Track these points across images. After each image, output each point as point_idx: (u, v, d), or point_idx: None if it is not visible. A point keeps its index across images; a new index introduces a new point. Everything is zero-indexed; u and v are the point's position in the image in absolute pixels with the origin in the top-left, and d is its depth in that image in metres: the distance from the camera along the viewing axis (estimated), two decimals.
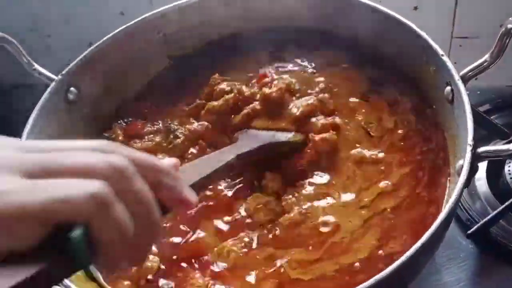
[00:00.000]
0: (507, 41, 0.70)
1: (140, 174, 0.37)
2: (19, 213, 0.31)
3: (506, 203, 0.86)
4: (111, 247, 0.35)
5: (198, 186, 0.51)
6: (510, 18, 0.68)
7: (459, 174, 0.64)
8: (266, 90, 0.84)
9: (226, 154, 0.70)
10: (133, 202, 0.36)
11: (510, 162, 0.94)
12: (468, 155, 0.64)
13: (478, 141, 0.66)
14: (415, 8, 1.13)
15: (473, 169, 0.64)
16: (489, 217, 0.86)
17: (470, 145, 0.65)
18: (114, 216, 0.34)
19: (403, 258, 0.56)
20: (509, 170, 0.93)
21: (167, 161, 0.43)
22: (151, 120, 0.93)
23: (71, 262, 0.33)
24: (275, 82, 0.88)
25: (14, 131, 0.80)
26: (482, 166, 0.96)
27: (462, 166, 0.64)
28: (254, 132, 0.82)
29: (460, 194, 0.62)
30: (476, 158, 0.65)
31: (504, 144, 0.93)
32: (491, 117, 1.00)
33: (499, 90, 1.10)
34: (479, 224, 0.86)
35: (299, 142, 0.81)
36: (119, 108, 0.96)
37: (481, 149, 0.65)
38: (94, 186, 0.34)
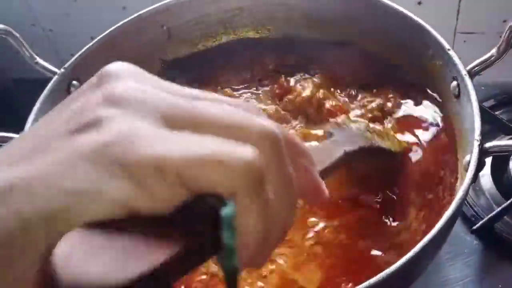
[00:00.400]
0: None
1: None
2: (159, 164, 0.25)
3: (511, 199, 0.85)
4: (252, 236, 0.27)
5: None
6: None
7: (466, 170, 0.64)
8: (302, 93, 0.79)
9: (333, 149, 0.57)
10: (279, 187, 0.28)
11: None
12: (475, 150, 0.63)
13: (484, 137, 0.66)
14: (419, 3, 1.12)
15: (480, 165, 0.64)
16: (493, 213, 0.85)
17: (478, 140, 0.64)
18: (266, 197, 0.27)
19: (409, 255, 0.56)
20: None
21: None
22: None
23: (215, 245, 0.25)
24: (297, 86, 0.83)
25: (15, 126, 0.79)
26: (487, 162, 0.96)
27: (469, 162, 0.64)
28: (348, 131, 0.67)
29: (468, 190, 0.62)
30: (483, 153, 0.64)
31: (509, 139, 0.93)
32: (496, 113, 1.00)
33: (504, 86, 1.09)
34: (483, 220, 0.85)
35: (401, 153, 0.70)
36: None
37: (489, 144, 0.65)
38: (249, 153, 0.26)
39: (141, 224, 0.24)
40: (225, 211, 0.24)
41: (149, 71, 0.94)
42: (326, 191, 0.34)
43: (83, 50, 0.88)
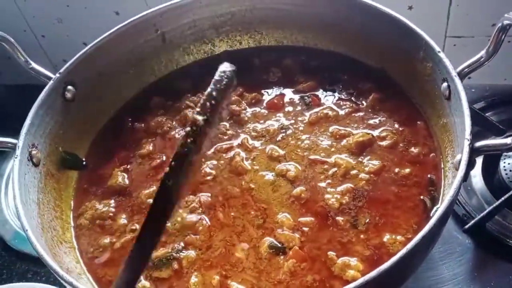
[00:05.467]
0: (503, 37, 0.71)
1: None
2: None
3: (502, 199, 0.87)
4: None
5: None
6: (506, 15, 0.69)
7: (457, 169, 0.65)
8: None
9: None
10: None
11: (505, 158, 0.95)
12: (466, 149, 0.65)
13: (474, 138, 0.67)
14: (410, 7, 1.13)
15: (471, 163, 0.65)
16: (485, 212, 0.87)
17: (468, 140, 0.65)
18: None
19: (401, 252, 0.57)
20: (504, 166, 0.94)
21: None
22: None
23: None
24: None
25: (10, 132, 0.79)
26: (478, 162, 0.97)
27: (460, 161, 0.65)
28: None
29: (459, 188, 0.63)
30: (473, 152, 0.65)
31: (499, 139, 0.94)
32: (486, 114, 1.01)
33: (494, 88, 1.11)
34: (475, 219, 0.87)
35: None
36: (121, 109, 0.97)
37: (479, 144, 0.66)
38: None
39: None
40: None
41: (142, 75, 0.96)
42: None
43: (78, 55, 0.88)
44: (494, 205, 0.87)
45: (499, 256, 0.85)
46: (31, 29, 1.32)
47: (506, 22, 0.69)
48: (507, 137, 0.93)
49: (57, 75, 0.85)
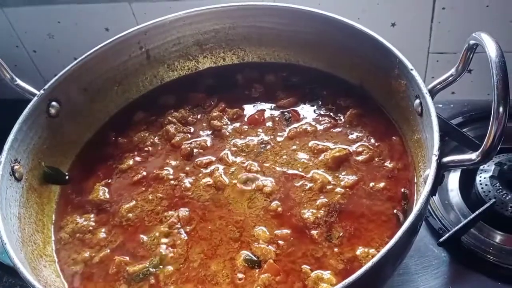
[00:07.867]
0: (471, 55, 0.74)
1: None
2: None
3: (476, 212, 0.88)
4: None
5: None
6: (473, 34, 0.71)
7: (425, 183, 0.67)
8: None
9: None
10: None
11: (481, 173, 0.97)
12: (433, 165, 0.66)
13: (451, 153, 0.68)
14: (393, 24, 1.16)
15: (438, 178, 0.67)
16: (459, 225, 0.88)
17: (436, 155, 0.67)
18: None
19: (368, 264, 0.58)
20: (480, 181, 0.96)
21: None
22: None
23: None
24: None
25: None
26: (455, 177, 0.99)
27: (428, 176, 0.67)
28: None
29: (426, 202, 0.65)
30: (441, 168, 0.67)
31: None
32: (464, 130, 1.03)
33: (472, 103, 1.13)
34: (450, 233, 0.88)
35: None
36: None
37: (446, 159, 0.68)
38: None
39: None
40: None
41: (127, 91, 0.98)
42: None
43: (62, 72, 0.90)
44: (469, 218, 0.88)
45: (474, 269, 0.87)
46: (23, 44, 1.35)
47: (472, 42, 0.71)
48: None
49: (41, 91, 0.87)
